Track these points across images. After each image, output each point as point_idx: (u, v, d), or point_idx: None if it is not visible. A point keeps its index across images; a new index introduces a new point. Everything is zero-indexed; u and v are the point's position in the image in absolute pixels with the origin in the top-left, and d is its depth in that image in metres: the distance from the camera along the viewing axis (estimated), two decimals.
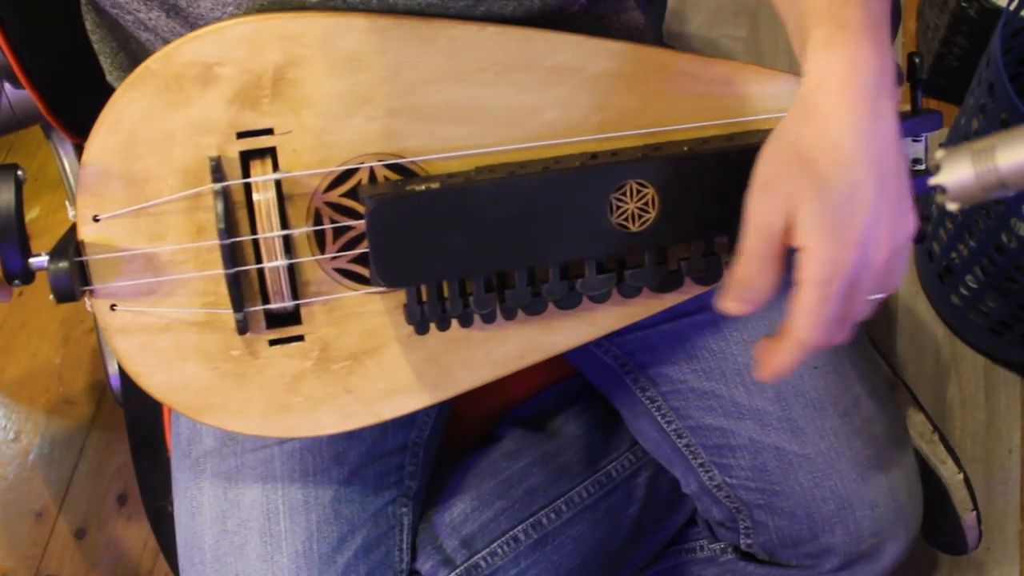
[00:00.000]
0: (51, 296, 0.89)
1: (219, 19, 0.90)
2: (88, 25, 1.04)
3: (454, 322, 0.94)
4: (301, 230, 0.92)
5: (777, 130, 0.83)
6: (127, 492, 1.84)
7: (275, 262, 0.91)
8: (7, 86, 1.45)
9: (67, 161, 1.66)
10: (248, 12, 0.90)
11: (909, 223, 0.82)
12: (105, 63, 1.05)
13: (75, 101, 1.00)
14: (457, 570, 1.16)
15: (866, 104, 0.80)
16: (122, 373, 1.48)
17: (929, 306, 1.99)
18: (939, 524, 1.44)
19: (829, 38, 0.81)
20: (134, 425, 1.46)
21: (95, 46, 1.04)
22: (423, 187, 0.87)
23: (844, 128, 0.79)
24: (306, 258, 0.93)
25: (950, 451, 1.42)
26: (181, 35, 0.93)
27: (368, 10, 0.90)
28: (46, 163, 2.13)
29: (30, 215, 2.04)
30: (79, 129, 1.22)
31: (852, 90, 0.80)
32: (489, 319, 0.93)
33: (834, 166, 0.79)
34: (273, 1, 0.90)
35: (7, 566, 1.77)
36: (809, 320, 0.80)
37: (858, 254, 0.79)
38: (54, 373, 1.97)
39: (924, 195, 0.98)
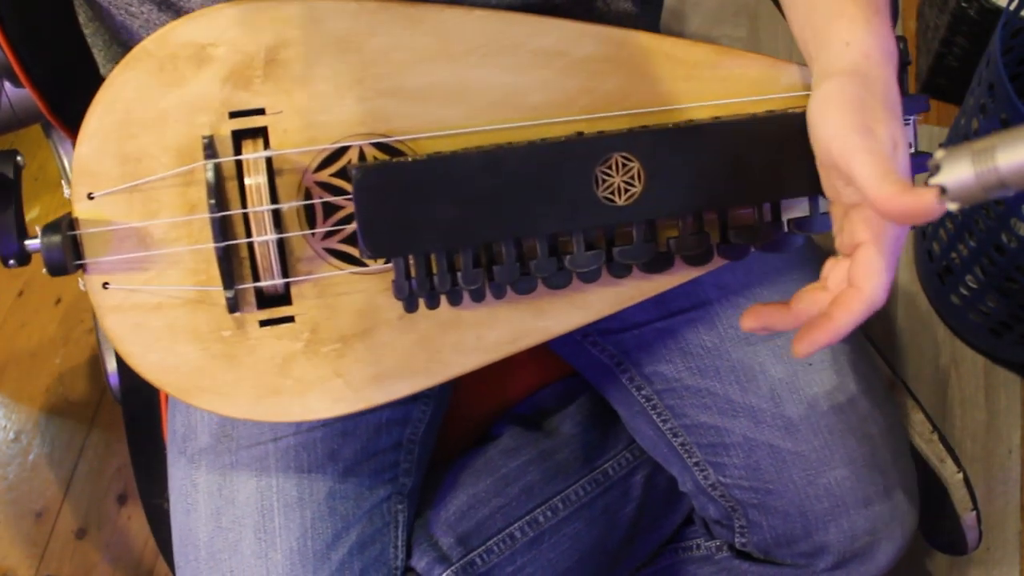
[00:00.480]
0: (44, 269, 0.90)
1: None
2: (81, 19, 1.04)
3: (444, 304, 0.94)
4: (290, 204, 0.92)
5: (833, 90, 0.84)
6: (127, 492, 1.84)
7: (264, 236, 0.91)
8: (7, 85, 1.46)
9: (67, 160, 1.66)
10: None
11: None
12: (99, 56, 1.05)
13: (75, 100, 1.01)
14: (453, 567, 1.16)
15: (896, 83, 0.85)
16: (120, 371, 1.48)
17: (929, 306, 1.99)
18: (938, 524, 1.44)
19: (868, 19, 0.86)
20: (132, 422, 1.46)
21: (88, 39, 1.05)
22: (410, 159, 0.88)
23: (895, 98, 0.84)
24: (295, 233, 0.93)
25: (949, 450, 1.41)
26: None
27: None
28: (46, 163, 2.14)
29: (30, 215, 2.05)
30: (78, 128, 1.23)
31: (891, 70, 0.85)
32: (478, 296, 0.93)
33: (899, 125, 0.83)
34: None
35: (7, 566, 1.77)
36: (884, 279, 0.82)
37: None
38: (54, 373, 1.97)
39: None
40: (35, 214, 2.10)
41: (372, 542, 1.11)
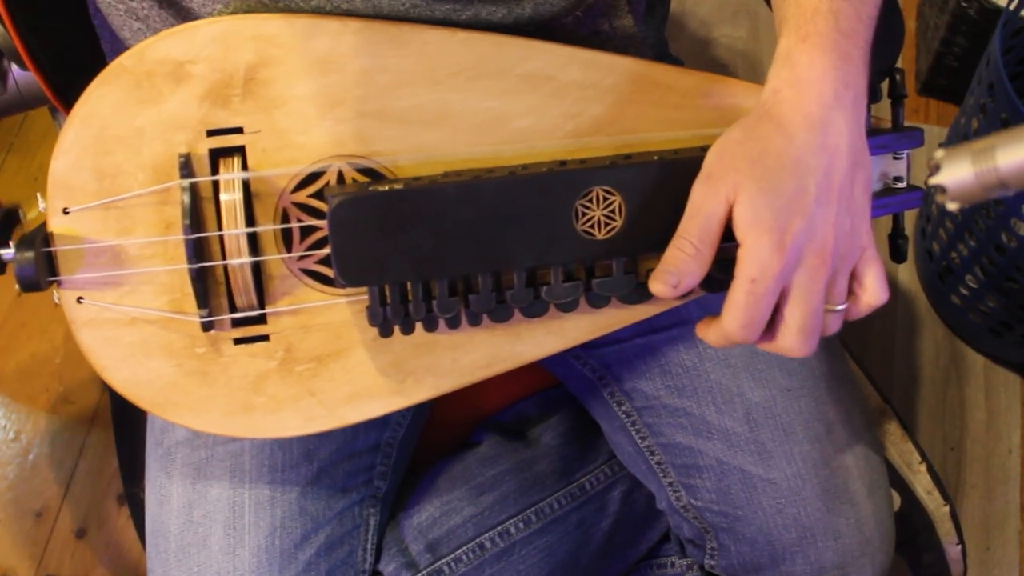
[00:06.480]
0: (16, 286, 0.89)
1: (209, 13, 0.91)
2: (90, 8, 1.04)
3: (419, 327, 0.94)
4: (266, 228, 0.92)
5: (732, 127, 0.86)
6: None
7: (239, 259, 0.91)
8: (14, 67, 1.46)
9: None
10: (236, 8, 0.90)
11: (861, 237, 0.85)
12: (105, 47, 1.05)
13: (80, 84, 1.00)
14: (420, 574, 1.16)
15: (817, 117, 0.83)
16: None
17: (929, 306, 1.98)
18: (923, 556, 1.43)
19: (790, 50, 0.85)
20: (118, 411, 1.46)
21: (97, 30, 1.05)
22: (387, 187, 0.87)
23: (792, 137, 0.83)
24: (270, 256, 0.93)
25: (937, 482, 1.40)
26: (172, 26, 0.93)
27: (354, 12, 0.90)
28: (46, 163, 2.13)
29: (30, 214, 2.04)
30: None
31: (805, 102, 0.83)
32: (454, 324, 0.93)
33: (777, 171, 0.82)
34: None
35: (7, 566, 1.78)
36: (733, 313, 0.83)
37: (789, 259, 0.81)
38: (54, 373, 1.97)
39: (925, 201, 0.97)
40: (34, 214, 2.10)
41: (340, 544, 1.12)
